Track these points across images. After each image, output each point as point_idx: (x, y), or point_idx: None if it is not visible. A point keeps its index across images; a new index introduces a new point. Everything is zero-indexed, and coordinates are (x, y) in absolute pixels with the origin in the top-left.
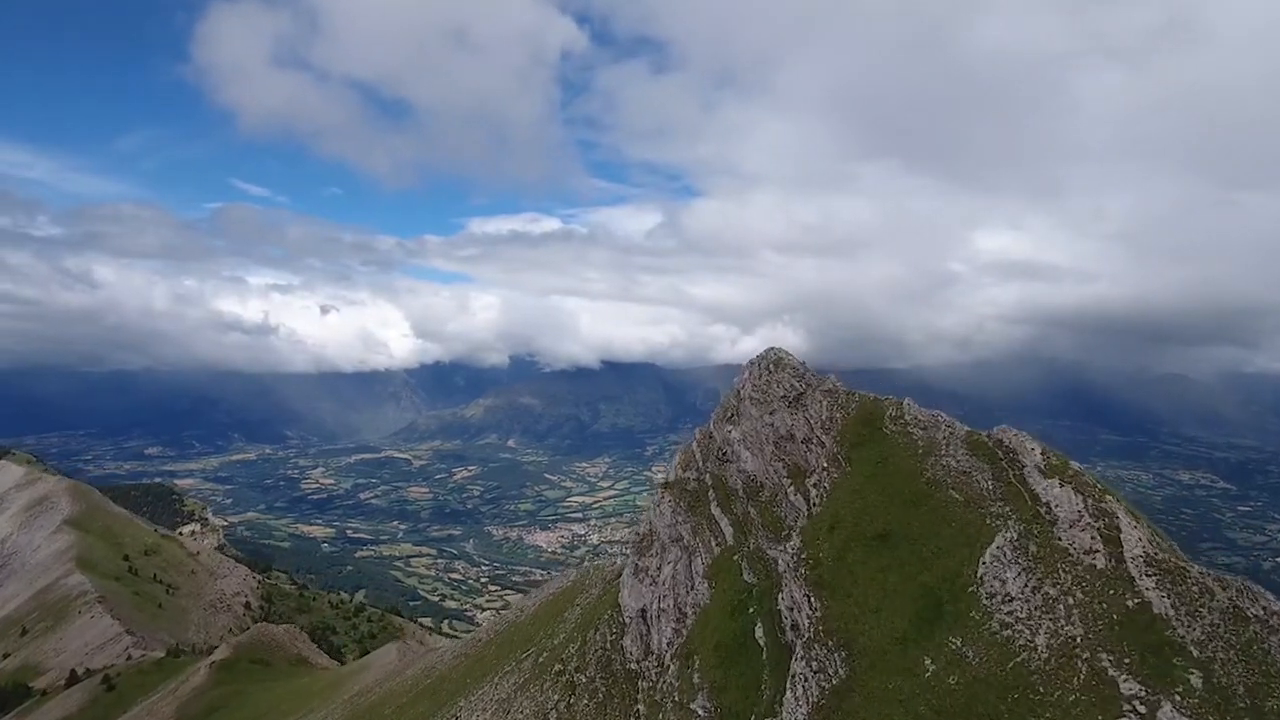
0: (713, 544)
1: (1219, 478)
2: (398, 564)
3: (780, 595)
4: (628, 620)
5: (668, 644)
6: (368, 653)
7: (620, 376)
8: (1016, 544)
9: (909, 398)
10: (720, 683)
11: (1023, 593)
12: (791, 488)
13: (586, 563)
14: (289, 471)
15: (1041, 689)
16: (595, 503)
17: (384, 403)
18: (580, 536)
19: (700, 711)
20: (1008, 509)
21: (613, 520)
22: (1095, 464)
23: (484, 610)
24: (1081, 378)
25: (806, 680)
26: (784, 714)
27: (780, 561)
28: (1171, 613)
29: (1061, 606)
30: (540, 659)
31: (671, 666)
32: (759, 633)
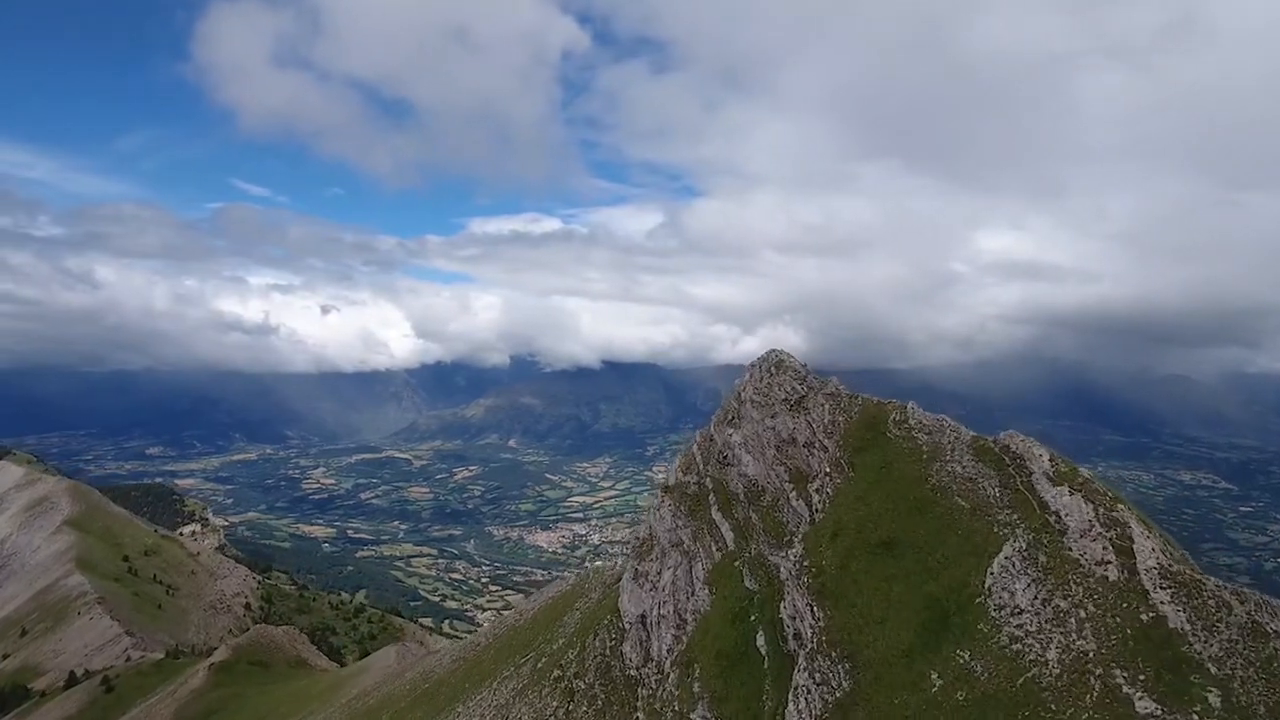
0: (713, 549)
1: (1221, 478)
2: (398, 564)
3: (782, 603)
4: (627, 626)
5: (668, 651)
6: (368, 654)
7: (621, 376)
8: (1026, 554)
9: (913, 401)
10: (721, 692)
11: (1032, 605)
12: (793, 493)
13: (587, 563)
14: (290, 471)
15: (1053, 706)
16: (596, 503)
17: (385, 403)
18: (581, 537)
19: None
20: (1016, 517)
21: (614, 520)
22: (1097, 464)
23: (485, 610)
24: (1083, 378)
25: (809, 692)
26: None
27: (782, 568)
28: (1188, 627)
29: (1073, 620)
30: (539, 664)
31: (672, 674)
32: (760, 641)
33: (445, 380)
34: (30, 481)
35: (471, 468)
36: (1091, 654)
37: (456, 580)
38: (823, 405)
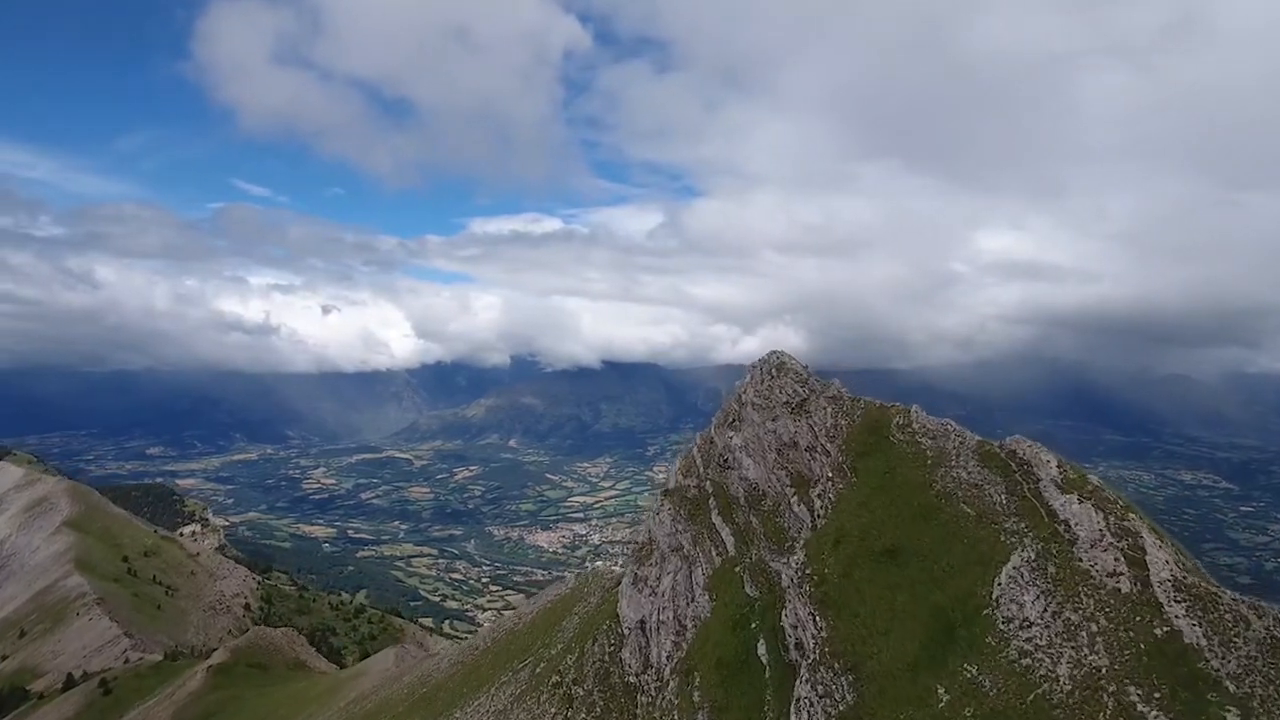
0: (714, 554)
1: (1221, 478)
2: (399, 564)
3: (784, 611)
4: (626, 631)
5: (667, 657)
6: (368, 655)
7: (621, 376)
8: (1034, 564)
9: (916, 405)
10: (721, 702)
11: (1042, 618)
12: (795, 497)
13: (588, 563)
14: (290, 471)
15: None
16: (596, 503)
17: (385, 403)
18: (581, 537)
19: None
20: (1023, 525)
21: (614, 520)
22: (1098, 464)
23: (485, 610)
24: (1084, 378)
25: (812, 705)
26: None
27: (784, 575)
28: (1204, 643)
29: (1084, 634)
30: (537, 670)
31: (671, 682)
32: (761, 650)
33: (446, 380)
34: (30, 482)
35: (472, 468)
36: (1104, 670)
37: (457, 580)
38: (825, 408)
